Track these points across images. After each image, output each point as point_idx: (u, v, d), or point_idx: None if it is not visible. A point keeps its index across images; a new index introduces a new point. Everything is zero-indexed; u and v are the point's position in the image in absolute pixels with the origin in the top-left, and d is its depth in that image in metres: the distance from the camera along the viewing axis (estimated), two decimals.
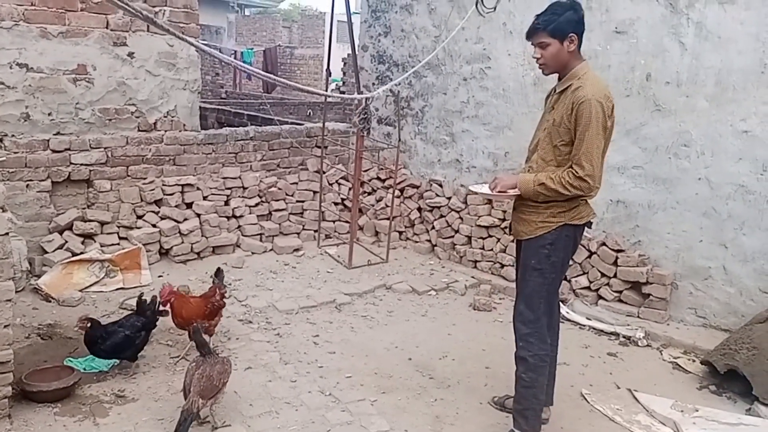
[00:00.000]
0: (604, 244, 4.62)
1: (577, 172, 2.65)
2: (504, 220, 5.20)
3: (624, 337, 4.24)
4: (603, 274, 4.62)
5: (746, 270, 4.15)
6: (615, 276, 4.56)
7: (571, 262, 4.67)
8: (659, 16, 4.34)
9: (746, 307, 4.14)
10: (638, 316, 4.45)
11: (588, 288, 4.69)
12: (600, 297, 4.64)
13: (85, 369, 3.33)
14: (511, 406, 3.08)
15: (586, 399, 3.46)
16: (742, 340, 3.66)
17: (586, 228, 2.93)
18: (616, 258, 4.55)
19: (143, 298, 3.55)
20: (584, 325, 4.42)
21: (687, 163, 4.32)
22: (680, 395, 3.54)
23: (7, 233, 2.69)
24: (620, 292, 4.56)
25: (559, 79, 2.83)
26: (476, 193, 3.08)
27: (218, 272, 3.85)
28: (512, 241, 3.02)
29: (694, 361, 3.96)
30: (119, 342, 3.30)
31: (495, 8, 3.61)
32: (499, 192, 2.89)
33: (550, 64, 2.77)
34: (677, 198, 4.38)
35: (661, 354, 4.09)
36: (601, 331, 4.34)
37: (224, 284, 3.84)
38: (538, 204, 2.79)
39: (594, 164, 2.63)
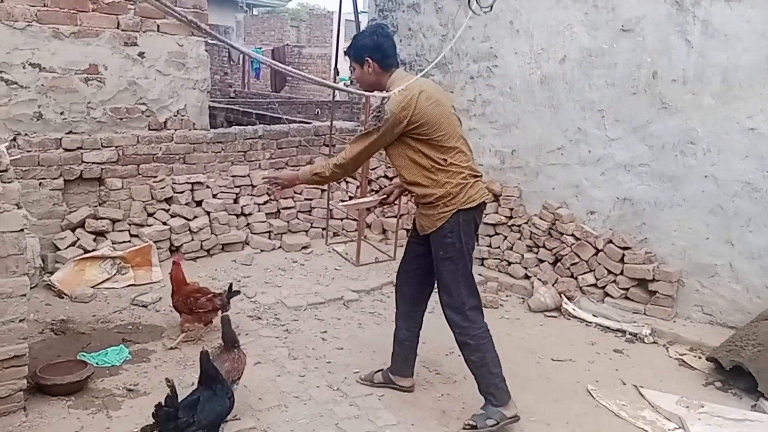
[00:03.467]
0: (610, 241, 4.63)
1: (337, 160, 3.09)
2: (511, 218, 5.23)
3: (630, 333, 4.25)
4: (609, 272, 4.63)
5: (753, 267, 4.16)
6: (621, 273, 4.58)
7: (577, 260, 4.75)
8: (665, 14, 4.35)
9: (752, 304, 4.15)
10: (645, 314, 4.46)
11: (594, 285, 4.71)
12: (606, 294, 4.66)
13: (97, 363, 3.39)
14: (379, 380, 3.41)
15: (592, 395, 3.49)
16: (748, 336, 3.68)
17: (485, 210, 3.23)
18: (623, 255, 4.56)
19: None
20: (591, 322, 4.44)
21: (693, 160, 4.33)
22: (686, 391, 3.56)
23: (22, 230, 2.75)
24: (627, 289, 4.58)
25: None
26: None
27: (231, 288, 3.81)
28: (415, 235, 3.25)
29: (700, 357, 3.97)
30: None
31: (491, 7, 3.65)
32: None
33: (360, 83, 3.21)
34: (684, 195, 4.39)
35: (668, 351, 4.11)
36: (608, 328, 4.36)
37: (228, 300, 3.73)
38: (426, 201, 3.00)
39: (346, 157, 3.04)
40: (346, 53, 3.14)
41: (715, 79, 4.20)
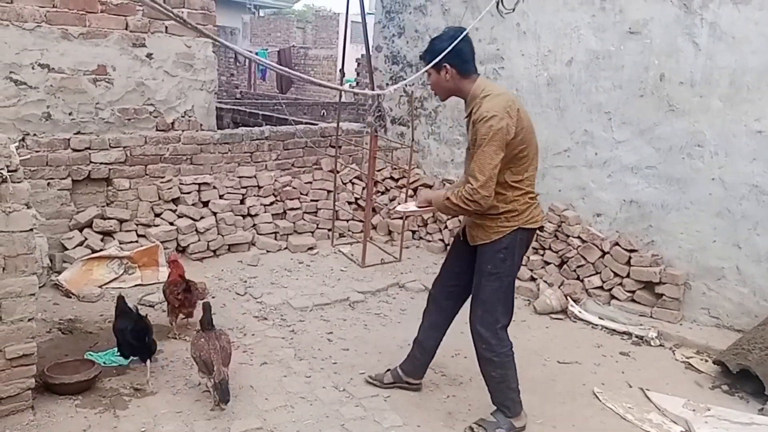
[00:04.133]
0: (617, 243, 4.63)
1: (472, 186, 2.75)
2: None
3: (637, 336, 4.24)
4: (616, 274, 4.62)
5: (760, 270, 4.14)
6: (628, 276, 4.57)
7: (583, 262, 4.75)
8: (673, 16, 4.35)
9: (759, 307, 4.13)
10: (651, 316, 4.45)
11: (601, 288, 4.70)
12: (613, 297, 4.64)
13: (104, 363, 3.41)
14: (389, 380, 3.39)
15: (598, 397, 3.48)
16: (755, 340, 3.67)
17: (538, 231, 3.11)
18: (629, 258, 4.55)
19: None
20: (597, 325, 4.43)
21: (701, 163, 4.32)
22: (692, 394, 3.55)
23: (31, 229, 2.77)
24: (633, 291, 4.56)
25: (465, 104, 2.97)
26: (401, 212, 3.51)
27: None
28: (460, 243, 3.13)
29: (706, 360, 3.96)
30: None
31: (514, 9, 3.70)
32: (420, 207, 3.09)
33: (436, 90, 3.05)
34: (691, 198, 4.38)
35: (674, 354, 4.10)
36: (614, 330, 4.35)
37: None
38: (489, 213, 2.86)
39: (485, 175, 2.72)
40: (421, 58, 2.98)
41: (722, 81, 4.19)
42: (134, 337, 3.24)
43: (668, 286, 4.41)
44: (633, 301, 4.57)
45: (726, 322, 4.30)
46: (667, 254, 4.51)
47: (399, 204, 3.14)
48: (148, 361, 3.29)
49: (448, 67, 2.86)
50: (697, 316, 4.41)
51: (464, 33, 2.88)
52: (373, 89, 5.87)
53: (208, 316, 3.21)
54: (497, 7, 3.60)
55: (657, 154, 4.50)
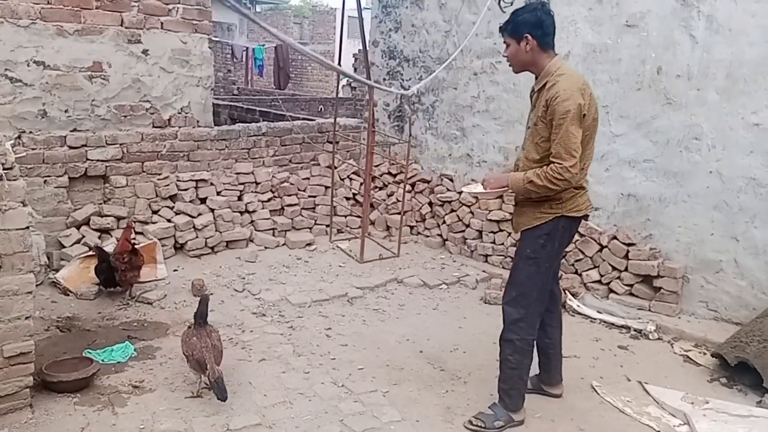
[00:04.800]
0: (615, 237, 4.63)
1: (561, 164, 2.73)
2: None
3: (635, 330, 4.25)
4: (614, 268, 4.63)
5: (758, 263, 4.14)
6: (626, 269, 4.57)
7: (581, 256, 4.75)
8: (670, 9, 4.34)
9: (758, 300, 4.14)
10: (649, 310, 4.45)
11: (599, 282, 4.70)
12: (611, 290, 4.65)
13: (103, 360, 3.41)
14: (528, 386, 3.25)
15: (596, 391, 3.49)
16: (753, 332, 3.67)
17: (583, 220, 3.05)
18: (627, 252, 4.56)
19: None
20: (595, 319, 4.43)
21: (698, 156, 4.32)
22: (691, 387, 3.55)
23: (27, 227, 2.76)
24: (631, 285, 4.57)
25: (536, 78, 2.95)
26: (470, 194, 3.22)
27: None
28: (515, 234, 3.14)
29: (705, 353, 3.96)
30: None
31: (512, 3, 3.72)
32: (492, 190, 3.02)
33: (512, 62, 2.97)
34: (688, 191, 4.38)
35: (672, 347, 4.10)
36: (612, 324, 4.35)
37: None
38: (531, 198, 2.89)
39: (574, 155, 2.73)
40: (502, 28, 2.92)
41: (719, 74, 4.18)
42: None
43: (666, 280, 4.41)
44: (631, 294, 4.57)
45: (724, 315, 4.31)
46: (665, 248, 4.51)
47: (465, 185, 3.05)
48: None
49: (529, 37, 2.83)
50: (696, 310, 4.41)
51: (543, 8, 2.88)
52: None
53: (202, 309, 3.21)
54: (498, 3, 3.59)
55: (654, 148, 4.50)
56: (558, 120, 2.72)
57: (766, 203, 4.08)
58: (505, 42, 2.95)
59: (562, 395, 3.38)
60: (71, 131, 4.69)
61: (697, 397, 3.41)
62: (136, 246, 4.38)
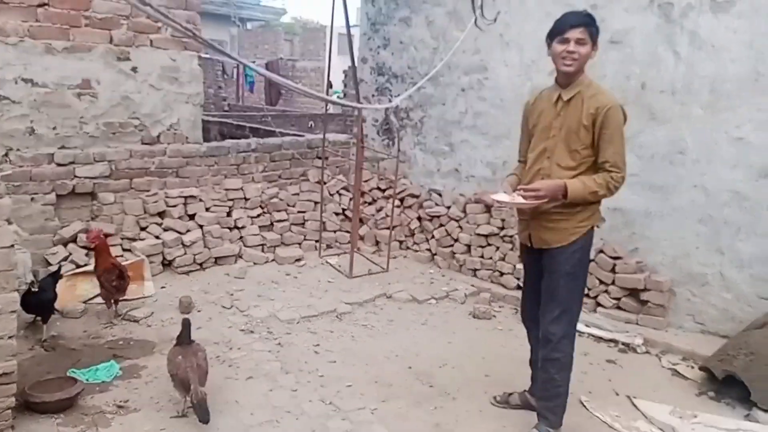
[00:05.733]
0: (601, 251, 4.65)
1: (619, 173, 2.81)
2: (503, 228, 5.24)
3: (623, 343, 4.26)
4: (601, 282, 4.65)
5: (743, 276, 4.17)
6: (613, 283, 4.59)
7: None
8: (654, 26, 4.40)
9: (744, 312, 4.16)
10: (637, 323, 4.47)
11: (586, 295, 4.70)
12: (598, 304, 4.66)
13: (87, 380, 3.37)
14: (516, 402, 3.35)
15: (585, 406, 3.48)
16: (739, 345, 3.69)
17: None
18: (614, 265, 4.58)
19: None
20: (583, 333, 4.42)
21: (683, 170, 4.36)
22: (679, 401, 3.56)
23: (12, 245, 2.74)
24: (618, 299, 4.59)
25: (562, 86, 2.92)
26: (502, 203, 3.07)
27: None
28: (527, 251, 3.08)
29: (692, 367, 3.97)
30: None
31: (495, 20, 3.76)
32: (537, 199, 2.83)
33: (580, 61, 2.83)
34: (673, 205, 4.42)
35: (660, 360, 4.11)
36: (600, 338, 4.36)
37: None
38: (567, 211, 2.86)
39: (625, 164, 2.86)
40: (584, 23, 2.80)
41: (703, 89, 4.24)
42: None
43: (653, 293, 4.43)
44: (618, 308, 4.59)
45: (711, 328, 4.33)
46: (651, 261, 4.54)
47: (497, 194, 2.84)
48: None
49: (596, 45, 2.85)
50: (683, 323, 4.43)
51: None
52: (358, 101, 5.89)
53: (185, 333, 3.18)
54: (475, 22, 3.63)
55: (639, 162, 4.53)
56: (612, 129, 2.79)
57: (751, 216, 4.12)
58: (579, 37, 2.78)
59: None
60: (59, 148, 4.68)
61: (686, 411, 3.41)
62: (121, 267, 4.19)
